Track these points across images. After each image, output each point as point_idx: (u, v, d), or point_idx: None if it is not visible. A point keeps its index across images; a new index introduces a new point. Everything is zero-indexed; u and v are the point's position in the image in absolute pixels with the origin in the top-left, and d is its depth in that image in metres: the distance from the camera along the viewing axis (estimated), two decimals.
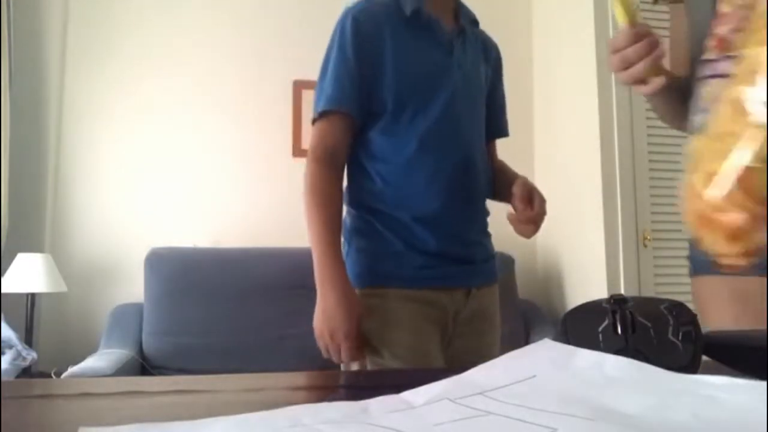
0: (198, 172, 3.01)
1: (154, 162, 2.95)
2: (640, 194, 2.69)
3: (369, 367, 1.13)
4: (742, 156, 0.57)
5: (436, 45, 1.20)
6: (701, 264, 0.97)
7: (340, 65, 1.15)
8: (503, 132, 1.37)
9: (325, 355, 1.14)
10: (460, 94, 1.20)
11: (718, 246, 0.63)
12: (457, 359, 1.18)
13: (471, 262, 1.21)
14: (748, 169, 0.57)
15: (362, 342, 1.11)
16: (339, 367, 1.19)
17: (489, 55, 1.32)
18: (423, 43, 1.20)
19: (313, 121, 1.20)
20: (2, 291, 2.40)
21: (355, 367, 1.15)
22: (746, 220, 0.59)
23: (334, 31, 1.19)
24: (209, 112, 3.04)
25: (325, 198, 1.14)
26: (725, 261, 0.65)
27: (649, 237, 2.68)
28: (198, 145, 3.02)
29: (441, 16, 1.23)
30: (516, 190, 1.15)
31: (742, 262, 0.64)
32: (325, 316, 1.11)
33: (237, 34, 3.10)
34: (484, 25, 1.33)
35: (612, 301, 0.45)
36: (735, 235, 0.61)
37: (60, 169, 2.90)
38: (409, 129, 1.16)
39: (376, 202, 1.18)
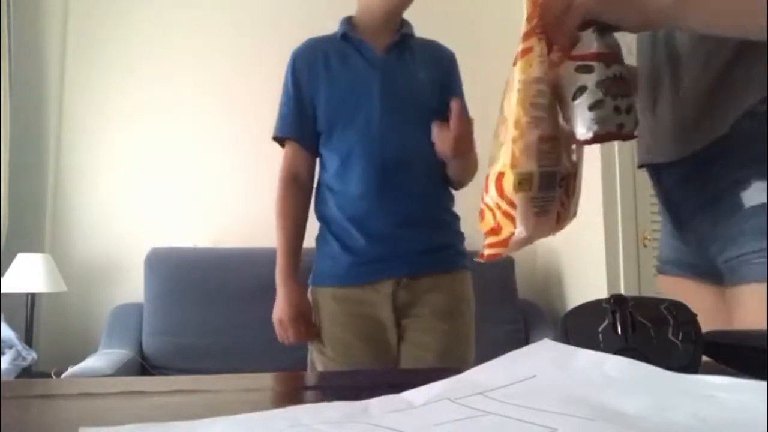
0: (198, 172, 3.00)
1: (154, 162, 2.95)
2: (640, 194, 2.69)
3: (314, 357, 1.37)
4: (498, 163, 0.67)
5: (362, 61, 1.40)
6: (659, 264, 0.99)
7: (284, 98, 1.44)
8: None
9: (280, 339, 1.40)
10: (387, 99, 1.36)
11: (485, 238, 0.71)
12: (414, 349, 1.33)
13: (398, 256, 1.34)
14: (500, 174, 0.66)
15: (311, 331, 1.36)
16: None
17: (440, 62, 1.46)
18: (350, 61, 1.40)
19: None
20: (2, 291, 2.40)
21: (313, 360, 1.38)
22: (498, 216, 0.67)
23: (286, 68, 1.44)
24: (209, 112, 3.04)
25: (284, 212, 1.42)
26: (485, 251, 0.72)
27: (649, 237, 2.68)
28: (198, 145, 3.02)
29: (371, 36, 1.42)
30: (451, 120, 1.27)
31: (495, 252, 0.70)
32: (276, 307, 1.38)
33: (237, 34, 3.10)
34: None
35: (612, 301, 0.45)
36: (492, 229, 0.69)
37: (60, 169, 2.90)
38: (341, 139, 1.36)
39: (325, 209, 1.41)
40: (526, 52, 0.66)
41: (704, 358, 0.44)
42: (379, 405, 0.34)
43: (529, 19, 0.66)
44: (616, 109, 0.62)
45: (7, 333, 2.31)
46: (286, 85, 1.44)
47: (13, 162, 2.68)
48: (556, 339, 0.44)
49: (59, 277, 2.58)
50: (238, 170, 3.04)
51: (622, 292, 2.55)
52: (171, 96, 2.99)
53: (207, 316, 2.58)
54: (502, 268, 2.87)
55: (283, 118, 1.44)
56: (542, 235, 0.71)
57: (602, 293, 2.66)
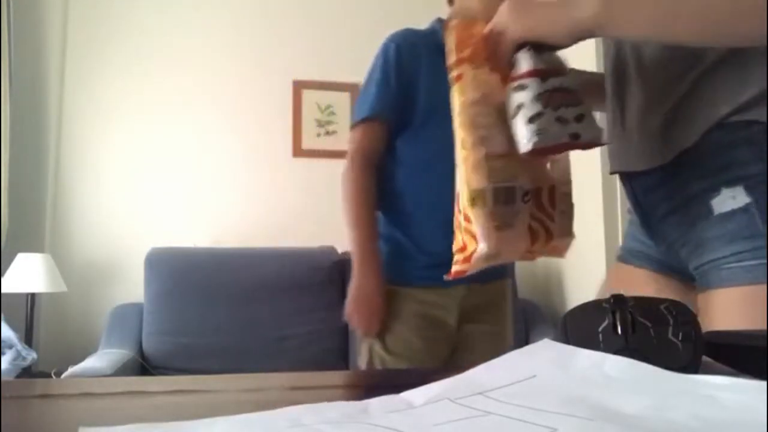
0: (198, 172, 3.01)
1: (154, 162, 2.95)
2: None
3: (374, 350, 1.33)
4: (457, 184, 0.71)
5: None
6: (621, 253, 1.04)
7: (382, 83, 1.34)
8: None
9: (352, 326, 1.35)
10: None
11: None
12: (466, 340, 1.35)
13: None
14: (458, 194, 0.70)
15: (379, 326, 1.31)
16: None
17: None
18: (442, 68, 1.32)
19: (352, 127, 1.39)
20: (2, 291, 2.40)
21: (365, 352, 1.35)
22: (463, 234, 0.71)
23: (378, 55, 1.38)
24: (209, 112, 3.04)
25: (358, 198, 1.33)
26: (453, 269, 0.76)
27: None
28: (198, 145, 3.02)
29: None
30: None
31: (460, 269, 0.75)
32: (352, 297, 1.33)
33: (237, 33, 3.10)
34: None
35: (612, 301, 0.45)
36: (459, 248, 0.73)
37: (60, 169, 2.90)
38: (434, 134, 1.27)
39: (399, 205, 1.36)
40: (458, 78, 0.71)
41: (704, 358, 0.44)
42: (379, 405, 0.34)
43: (458, 49, 0.71)
44: (560, 120, 0.63)
45: (7, 333, 2.31)
46: (385, 71, 1.35)
47: (13, 162, 2.68)
48: (556, 339, 0.44)
49: (59, 277, 2.58)
50: (238, 170, 3.04)
51: (622, 292, 2.54)
52: (171, 96, 2.99)
53: (207, 316, 2.58)
54: (502, 268, 2.87)
55: (381, 100, 1.34)
56: (516, 253, 0.73)
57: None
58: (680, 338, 0.42)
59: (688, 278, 0.78)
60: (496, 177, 0.66)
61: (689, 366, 0.42)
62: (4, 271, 2.50)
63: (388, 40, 1.39)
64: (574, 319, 0.47)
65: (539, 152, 0.64)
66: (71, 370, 2.18)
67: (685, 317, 0.44)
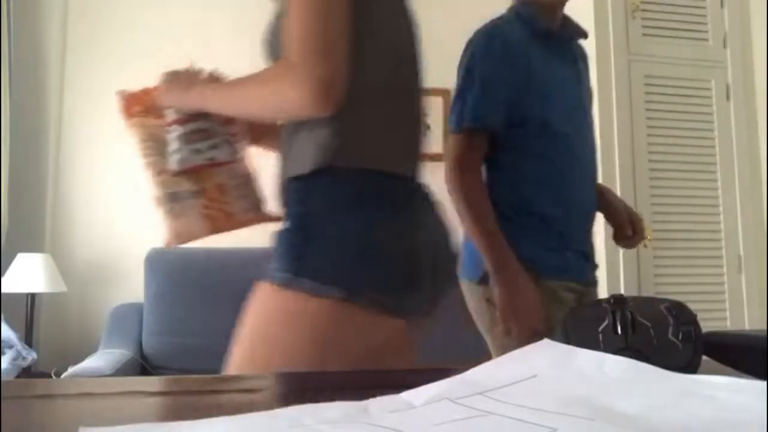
0: None
1: None
2: (640, 194, 2.69)
3: None
4: None
5: (565, 62, 1.33)
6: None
7: (485, 83, 1.25)
8: None
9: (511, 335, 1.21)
10: (578, 106, 1.34)
11: None
12: None
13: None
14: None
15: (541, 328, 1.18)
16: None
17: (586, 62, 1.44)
18: (555, 61, 1.31)
19: (456, 131, 1.29)
20: (2, 291, 2.40)
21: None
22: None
23: (473, 52, 1.28)
24: None
25: (474, 201, 1.24)
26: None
27: (649, 237, 2.68)
28: None
29: (561, 29, 1.34)
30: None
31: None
32: (514, 299, 1.20)
33: (237, 33, 3.10)
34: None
35: (612, 301, 0.45)
36: None
37: (60, 169, 2.90)
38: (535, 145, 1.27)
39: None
40: (129, 126, 1.02)
41: (704, 358, 0.44)
42: (379, 405, 0.34)
43: (129, 106, 1.02)
44: (196, 150, 0.96)
45: (7, 333, 2.32)
46: (483, 71, 1.26)
47: (13, 162, 2.68)
48: (556, 339, 0.44)
49: (59, 277, 2.58)
50: None
51: (622, 292, 2.55)
52: None
53: (207, 316, 2.58)
54: None
55: (471, 104, 1.25)
56: (203, 231, 0.99)
57: (602, 293, 2.66)
58: (680, 338, 0.43)
59: None
60: (163, 187, 0.97)
61: (689, 366, 0.42)
62: (4, 271, 2.50)
63: (478, 35, 1.30)
64: (574, 319, 0.47)
65: (188, 170, 0.96)
66: (71, 370, 2.18)
67: (685, 317, 0.44)
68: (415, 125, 0.98)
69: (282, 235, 0.88)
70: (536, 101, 1.26)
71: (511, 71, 1.25)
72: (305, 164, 0.88)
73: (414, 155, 0.97)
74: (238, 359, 0.88)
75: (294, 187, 0.90)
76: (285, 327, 0.86)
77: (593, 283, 1.41)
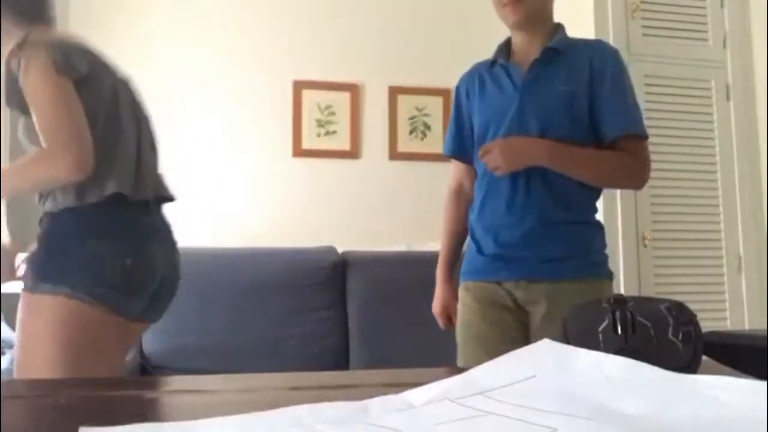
0: (197, 172, 3.00)
1: None
2: (640, 194, 2.69)
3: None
4: None
5: (508, 84, 1.47)
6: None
7: (450, 119, 1.62)
8: (615, 130, 1.42)
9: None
10: (520, 120, 1.42)
11: None
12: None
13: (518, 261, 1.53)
14: None
15: (451, 322, 1.60)
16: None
17: (586, 66, 1.45)
18: (500, 84, 1.50)
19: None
20: (2, 291, 2.40)
21: None
22: None
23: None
24: (209, 112, 3.04)
25: (445, 219, 1.66)
26: None
27: (649, 237, 2.68)
28: (198, 145, 3.02)
29: (523, 55, 1.49)
30: None
31: None
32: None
33: (237, 33, 3.10)
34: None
35: (612, 301, 0.45)
36: None
37: None
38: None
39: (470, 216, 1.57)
40: None
41: (704, 358, 0.44)
42: (379, 405, 0.34)
43: None
44: None
45: (7, 333, 2.31)
46: (452, 107, 1.62)
47: (12, 162, 2.68)
48: (556, 339, 0.44)
49: None
50: (237, 170, 3.04)
51: (622, 292, 2.55)
52: (172, 96, 2.99)
53: (207, 316, 2.58)
54: None
55: (447, 137, 1.63)
56: None
57: None
58: (680, 338, 0.43)
59: None
60: None
61: (689, 366, 0.42)
62: None
63: (459, 80, 1.62)
64: (574, 319, 0.47)
65: None
66: None
67: (685, 317, 0.44)
68: (143, 158, 1.40)
69: (31, 255, 1.31)
70: (477, 127, 1.56)
71: (461, 110, 1.65)
72: (56, 205, 1.29)
73: (146, 183, 1.38)
74: (18, 357, 1.26)
75: (46, 219, 1.32)
76: (35, 317, 1.25)
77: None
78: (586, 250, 1.43)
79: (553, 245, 1.41)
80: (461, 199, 1.62)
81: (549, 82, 1.43)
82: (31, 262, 1.29)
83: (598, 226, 1.49)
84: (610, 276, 1.48)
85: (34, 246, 1.30)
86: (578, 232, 1.43)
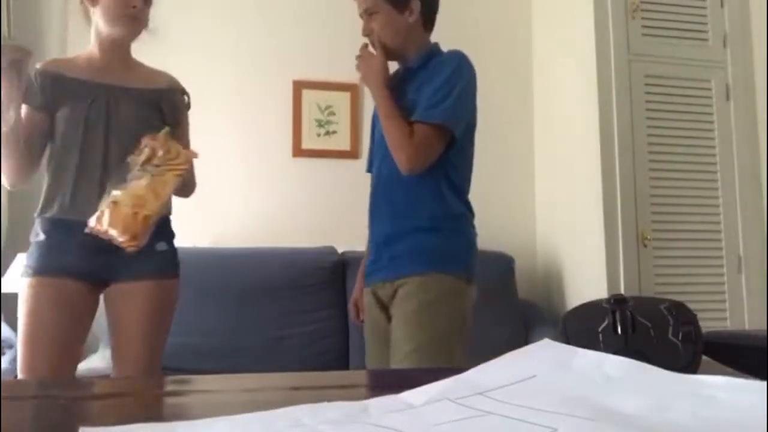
0: (197, 171, 3.00)
1: None
2: (640, 194, 2.69)
3: None
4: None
5: None
6: None
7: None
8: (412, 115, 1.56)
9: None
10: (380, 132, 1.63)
11: None
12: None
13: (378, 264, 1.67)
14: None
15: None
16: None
17: (432, 74, 1.59)
18: None
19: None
20: (2, 291, 2.40)
21: None
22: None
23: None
24: (209, 112, 3.04)
25: None
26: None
27: (649, 237, 2.68)
28: (197, 145, 3.01)
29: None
30: None
31: None
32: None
33: (237, 33, 3.10)
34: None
35: (612, 301, 0.45)
36: None
37: None
38: None
39: None
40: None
41: (704, 358, 0.44)
42: (379, 405, 0.34)
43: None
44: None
45: (7, 333, 2.31)
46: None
47: None
48: (556, 339, 0.44)
49: None
50: (238, 170, 3.04)
51: (622, 292, 2.55)
52: None
53: (207, 316, 2.58)
54: (502, 268, 2.87)
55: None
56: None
57: (602, 293, 2.66)
58: (680, 338, 0.43)
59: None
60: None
61: (689, 366, 0.42)
62: (4, 271, 2.50)
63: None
64: (574, 319, 0.47)
65: None
66: None
67: (685, 317, 0.44)
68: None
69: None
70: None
71: None
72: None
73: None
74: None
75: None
76: (24, 299, 1.59)
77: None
78: (420, 250, 1.55)
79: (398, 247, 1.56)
80: None
81: (404, 95, 1.61)
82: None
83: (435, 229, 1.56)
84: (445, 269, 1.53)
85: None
86: (418, 236, 1.55)
